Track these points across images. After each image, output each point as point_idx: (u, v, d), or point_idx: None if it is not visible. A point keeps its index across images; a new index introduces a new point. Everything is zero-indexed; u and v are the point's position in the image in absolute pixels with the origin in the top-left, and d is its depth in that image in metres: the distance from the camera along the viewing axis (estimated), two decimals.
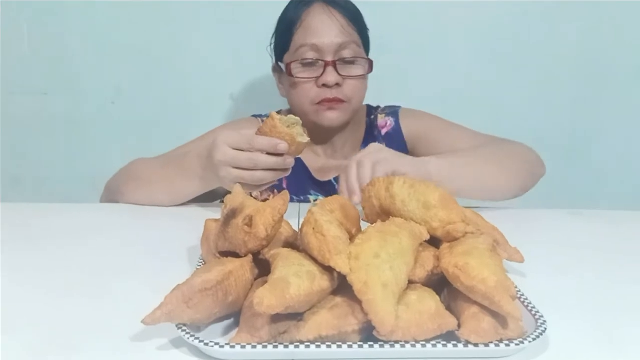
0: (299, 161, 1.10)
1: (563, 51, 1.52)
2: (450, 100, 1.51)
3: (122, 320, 0.49)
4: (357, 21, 1.05)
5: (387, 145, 1.09)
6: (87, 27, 1.49)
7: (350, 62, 1.03)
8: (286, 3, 1.08)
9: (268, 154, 0.75)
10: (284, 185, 1.08)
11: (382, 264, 0.45)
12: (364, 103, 1.17)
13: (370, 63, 1.05)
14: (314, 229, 0.47)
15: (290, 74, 1.03)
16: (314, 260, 0.47)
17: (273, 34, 1.10)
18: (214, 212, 0.82)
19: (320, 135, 1.10)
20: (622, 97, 1.56)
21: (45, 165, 1.58)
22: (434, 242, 0.54)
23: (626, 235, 0.84)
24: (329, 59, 1.00)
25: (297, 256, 0.48)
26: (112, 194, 1.01)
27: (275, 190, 1.07)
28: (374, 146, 0.87)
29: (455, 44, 1.51)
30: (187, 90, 1.53)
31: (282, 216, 0.51)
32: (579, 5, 1.48)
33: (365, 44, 1.08)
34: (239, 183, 0.75)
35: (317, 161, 1.12)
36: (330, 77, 1.00)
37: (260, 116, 1.16)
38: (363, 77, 1.05)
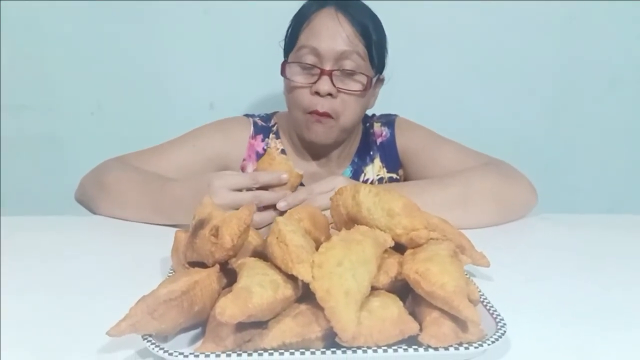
0: None
1: (541, 62, 1.55)
2: (430, 111, 1.52)
3: (90, 333, 0.49)
4: (367, 33, 0.99)
5: (380, 156, 1.13)
6: (66, 41, 1.49)
7: (350, 74, 0.98)
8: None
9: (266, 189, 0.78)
10: None
11: (344, 271, 0.46)
12: None
13: (370, 80, 1.00)
14: (277, 238, 0.48)
15: (284, 75, 1.01)
16: (279, 269, 0.48)
17: (286, 30, 1.06)
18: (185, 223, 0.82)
19: (314, 145, 1.07)
20: (598, 108, 1.59)
21: (24, 179, 1.57)
22: (401, 248, 0.55)
23: (594, 239, 0.86)
24: (327, 67, 0.96)
25: (262, 265, 0.48)
26: (85, 199, 0.99)
27: None
28: (335, 179, 0.85)
29: (435, 55, 1.53)
30: (167, 103, 1.54)
31: (248, 226, 0.52)
32: (558, 17, 1.52)
33: (374, 59, 1.01)
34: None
35: (308, 168, 1.10)
36: (323, 85, 0.96)
37: (252, 116, 1.13)
38: (359, 93, 0.99)
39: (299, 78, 0.99)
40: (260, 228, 0.78)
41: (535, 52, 1.54)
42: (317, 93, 0.97)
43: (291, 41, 1.02)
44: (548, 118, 1.60)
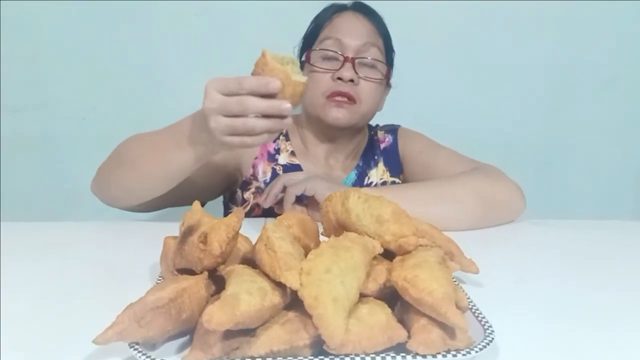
0: (297, 168, 1.11)
1: (535, 64, 1.56)
2: (425, 112, 1.53)
3: (76, 340, 0.49)
4: (384, 33, 1.09)
5: (384, 160, 1.18)
6: (60, 43, 1.49)
7: (370, 65, 1.04)
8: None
9: (263, 97, 0.68)
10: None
11: (333, 278, 0.46)
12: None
13: (389, 71, 1.08)
14: (265, 245, 0.48)
15: (308, 62, 1.05)
16: (267, 276, 0.47)
17: (303, 36, 1.12)
18: (174, 229, 0.82)
19: (323, 135, 1.11)
20: (590, 110, 1.60)
21: (19, 180, 1.56)
22: (390, 255, 0.55)
23: (586, 244, 0.86)
24: (350, 55, 1.02)
25: (250, 272, 0.48)
26: (104, 180, 0.95)
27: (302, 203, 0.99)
28: (311, 172, 0.92)
29: (429, 58, 1.54)
30: (161, 105, 1.54)
31: (237, 233, 0.52)
32: (552, 19, 1.53)
33: (388, 59, 1.10)
34: (231, 136, 0.71)
35: (315, 169, 1.11)
36: (347, 72, 1.01)
37: None
38: (379, 81, 1.06)
39: (322, 65, 1.03)
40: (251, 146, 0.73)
41: (529, 54, 1.55)
42: (340, 79, 1.01)
43: (312, 38, 1.08)
44: (542, 120, 1.61)
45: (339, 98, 1.01)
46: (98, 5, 1.46)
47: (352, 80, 1.01)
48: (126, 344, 0.45)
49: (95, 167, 1.03)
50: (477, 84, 1.57)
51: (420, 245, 0.54)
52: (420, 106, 1.54)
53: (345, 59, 1.01)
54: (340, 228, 0.59)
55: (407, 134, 1.20)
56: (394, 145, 1.19)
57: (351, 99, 1.02)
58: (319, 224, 0.63)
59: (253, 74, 0.70)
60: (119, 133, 1.52)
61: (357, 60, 1.02)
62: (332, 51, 1.02)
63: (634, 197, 1.67)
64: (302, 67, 1.09)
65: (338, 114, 1.02)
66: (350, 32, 1.03)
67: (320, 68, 1.03)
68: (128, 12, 1.47)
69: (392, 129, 1.21)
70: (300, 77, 0.70)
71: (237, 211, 0.52)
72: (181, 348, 0.49)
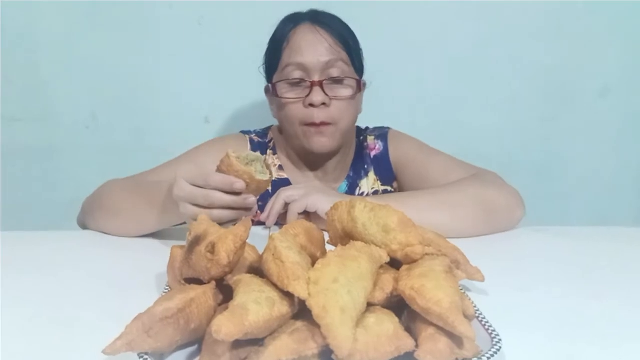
0: (286, 182, 1.10)
1: (532, 70, 1.56)
2: (420, 120, 1.54)
3: (86, 351, 0.49)
4: (345, 40, 1.03)
5: (374, 169, 1.15)
6: (61, 52, 1.49)
7: (339, 81, 1.01)
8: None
9: (227, 192, 0.73)
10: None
11: (340, 288, 0.46)
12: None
13: (359, 83, 1.04)
14: (273, 255, 0.48)
15: (276, 95, 1.03)
16: (275, 285, 0.48)
17: (264, 54, 1.09)
18: (181, 239, 0.82)
19: (312, 159, 1.10)
20: (589, 115, 1.60)
21: (19, 190, 1.56)
22: (396, 264, 0.55)
23: (590, 252, 0.86)
24: (316, 78, 0.99)
25: (258, 282, 0.48)
26: (85, 218, 1.00)
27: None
28: (312, 185, 0.91)
29: (425, 64, 1.54)
30: (162, 114, 1.54)
31: (244, 243, 0.52)
32: (548, 25, 1.53)
33: (356, 64, 1.05)
34: None
35: (304, 181, 1.11)
36: (317, 96, 0.98)
37: (249, 132, 1.15)
38: (351, 97, 1.02)
39: (290, 94, 1.01)
40: (222, 224, 0.76)
41: (527, 61, 1.55)
42: (312, 105, 0.99)
43: (273, 63, 1.05)
44: (540, 126, 1.61)
45: (316, 127, 1.00)
46: (99, 14, 1.46)
47: (324, 104, 0.99)
48: (135, 354, 0.45)
49: (96, 176, 1.04)
50: (474, 90, 1.57)
51: (426, 254, 0.54)
52: (417, 113, 1.54)
53: (312, 84, 0.99)
54: (346, 237, 0.59)
55: (398, 139, 1.16)
56: (385, 152, 1.15)
57: (328, 125, 1.01)
58: (325, 232, 0.64)
59: (218, 170, 0.75)
60: (121, 142, 1.54)
61: (324, 82, 0.99)
62: (297, 79, 1.00)
63: (633, 204, 1.67)
64: (268, 86, 1.09)
65: (322, 141, 1.01)
66: (311, 52, 0.99)
67: (290, 98, 1.01)
68: (129, 20, 1.48)
69: (383, 134, 1.17)
70: (263, 176, 0.76)
71: (245, 221, 0.53)
72: (190, 358, 0.49)
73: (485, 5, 1.50)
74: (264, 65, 1.09)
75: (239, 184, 0.73)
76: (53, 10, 1.46)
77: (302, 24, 1.03)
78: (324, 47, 1.00)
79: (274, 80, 1.04)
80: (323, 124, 1.00)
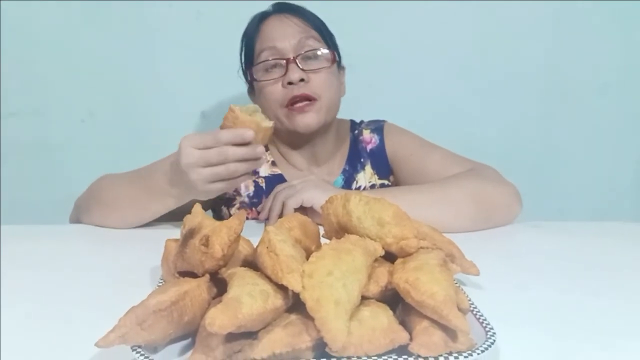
0: (279, 178, 1.10)
1: (531, 67, 1.56)
2: (419, 118, 1.53)
3: (79, 343, 0.49)
4: (314, 22, 1.05)
5: (371, 162, 1.14)
6: (57, 48, 1.49)
7: (313, 57, 1.02)
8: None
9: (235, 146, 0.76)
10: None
11: (335, 281, 0.46)
12: (349, 118, 1.17)
13: (334, 55, 1.05)
14: (267, 248, 0.48)
15: (254, 79, 1.04)
16: (269, 279, 0.47)
17: (239, 54, 1.10)
18: (176, 232, 0.82)
19: (299, 143, 1.09)
20: (587, 111, 1.60)
21: (16, 186, 1.56)
22: (391, 257, 0.55)
23: (586, 247, 0.86)
24: (290, 56, 1.01)
25: (252, 275, 0.48)
26: (80, 215, 1.00)
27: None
28: (308, 180, 0.92)
29: (424, 62, 1.54)
30: (159, 110, 1.54)
31: (238, 235, 0.52)
32: (547, 22, 1.53)
33: (328, 42, 1.07)
34: (214, 183, 0.77)
35: (298, 176, 1.11)
36: (294, 73, 0.99)
37: None
38: (328, 69, 1.03)
39: (268, 76, 1.03)
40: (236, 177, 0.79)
41: (526, 57, 1.55)
42: (290, 83, 1.00)
43: (248, 56, 1.07)
44: (538, 121, 1.61)
45: (299, 104, 1.00)
46: (96, 9, 1.46)
47: (302, 80, 1.00)
48: (128, 347, 0.45)
49: (94, 171, 1.04)
50: (473, 87, 1.57)
51: (421, 248, 0.54)
52: (416, 109, 1.54)
53: (287, 61, 1.00)
54: (341, 230, 0.59)
55: (394, 132, 1.16)
56: (381, 146, 1.14)
57: (310, 99, 1.01)
58: (320, 226, 0.64)
59: (222, 127, 0.78)
60: (118, 137, 1.54)
61: (298, 58, 1.00)
62: (272, 59, 1.02)
63: (631, 200, 1.67)
64: (250, 87, 1.12)
65: (306, 120, 1.01)
66: (282, 35, 1.02)
67: (268, 80, 1.02)
68: (126, 15, 1.47)
69: (378, 127, 1.16)
70: (267, 123, 0.79)
71: (239, 214, 0.52)
72: (183, 351, 0.49)
73: (484, 5, 1.49)
74: (241, 66, 1.11)
75: (250, 133, 0.75)
76: (50, 6, 1.45)
77: (270, 15, 1.06)
78: (294, 30, 1.02)
79: (252, 68, 1.06)
80: (305, 98, 1.00)
